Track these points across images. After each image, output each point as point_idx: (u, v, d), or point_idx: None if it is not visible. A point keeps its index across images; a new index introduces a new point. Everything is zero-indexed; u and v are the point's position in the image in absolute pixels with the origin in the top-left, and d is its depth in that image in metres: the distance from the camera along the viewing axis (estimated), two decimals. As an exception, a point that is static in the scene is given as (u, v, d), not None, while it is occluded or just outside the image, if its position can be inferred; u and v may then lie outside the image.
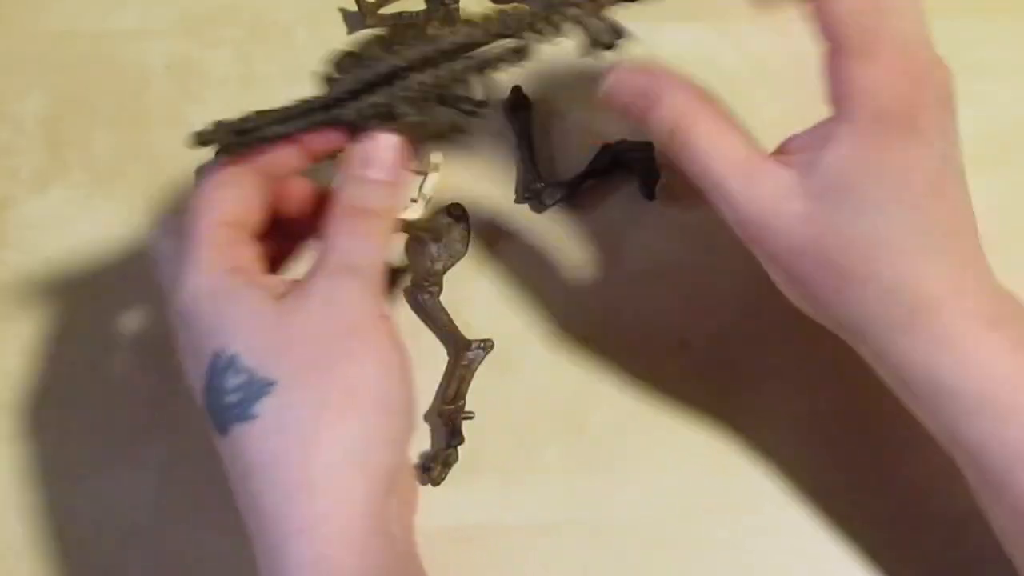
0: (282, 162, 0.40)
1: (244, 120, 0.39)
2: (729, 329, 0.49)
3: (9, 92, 0.54)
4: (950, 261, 0.37)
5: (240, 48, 0.55)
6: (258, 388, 0.35)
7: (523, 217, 0.51)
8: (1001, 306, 0.38)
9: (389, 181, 0.39)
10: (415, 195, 0.52)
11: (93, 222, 0.51)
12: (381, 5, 0.54)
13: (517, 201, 0.51)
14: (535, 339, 0.49)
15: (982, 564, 0.43)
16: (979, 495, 0.40)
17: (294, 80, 0.53)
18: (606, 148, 0.51)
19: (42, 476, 0.47)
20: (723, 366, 0.48)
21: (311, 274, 0.37)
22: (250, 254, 0.39)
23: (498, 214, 0.51)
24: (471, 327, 0.49)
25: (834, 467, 0.46)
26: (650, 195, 0.50)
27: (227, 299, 0.37)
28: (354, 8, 0.54)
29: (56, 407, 0.48)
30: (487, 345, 0.48)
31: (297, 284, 0.37)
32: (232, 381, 0.35)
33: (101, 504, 0.46)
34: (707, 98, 0.39)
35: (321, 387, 0.35)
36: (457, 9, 0.53)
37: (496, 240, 0.51)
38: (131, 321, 0.49)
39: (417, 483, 0.46)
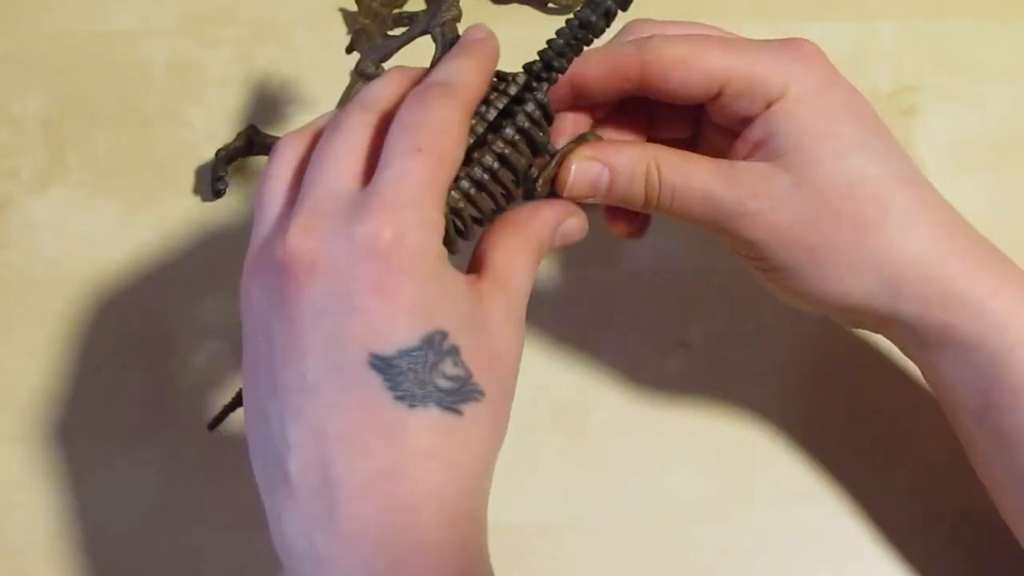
0: None
1: None
2: (729, 329, 0.49)
3: (9, 92, 0.54)
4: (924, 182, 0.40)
5: (240, 48, 0.55)
6: (469, 390, 0.34)
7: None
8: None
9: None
10: None
11: (93, 222, 0.51)
12: (381, 5, 0.54)
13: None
14: (535, 339, 0.49)
15: (982, 564, 0.43)
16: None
17: (294, 80, 0.54)
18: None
19: (42, 476, 0.47)
20: (723, 366, 0.48)
21: (491, 294, 0.36)
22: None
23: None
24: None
25: (834, 467, 0.46)
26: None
27: (446, 278, 0.35)
28: (354, 8, 0.54)
29: (56, 407, 0.48)
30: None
31: (484, 295, 0.36)
32: (452, 370, 0.34)
33: (101, 504, 0.46)
34: (649, 142, 0.41)
35: (506, 415, 0.36)
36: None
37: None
38: (132, 321, 0.49)
39: None
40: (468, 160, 0.37)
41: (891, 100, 0.53)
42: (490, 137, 0.38)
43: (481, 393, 0.34)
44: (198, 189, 0.52)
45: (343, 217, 0.34)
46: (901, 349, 0.42)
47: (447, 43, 0.39)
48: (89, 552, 0.46)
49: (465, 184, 0.37)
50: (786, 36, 0.53)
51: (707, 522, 0.46)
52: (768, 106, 0.39)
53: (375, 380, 0.33)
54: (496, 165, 0.38)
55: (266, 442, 0.34)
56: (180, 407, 0.48)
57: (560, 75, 0.39)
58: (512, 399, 0.36)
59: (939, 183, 0.51)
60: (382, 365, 0.33)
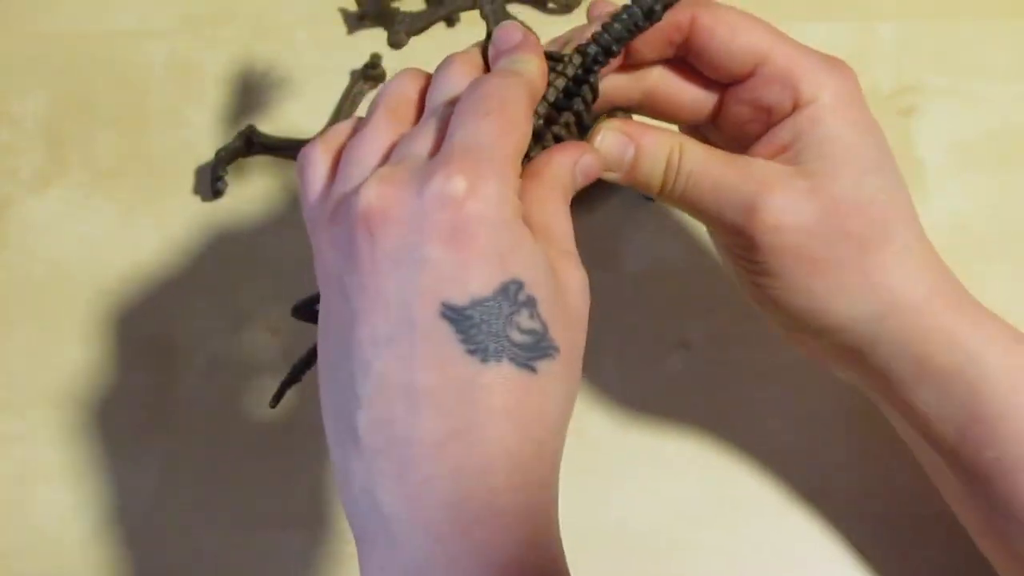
0: None
1: None
2: (729, 329, 0.49)
3: (9, 92, 0.54)
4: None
5: (240, 48, 0.55)
6: (545, 346, 0.33)
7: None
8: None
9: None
10: None
11: (93, 222, 0.51)
12: (381, 5, 0.54)
13: None
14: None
15: (982, 564, 0.43)
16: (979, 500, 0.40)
17: (294, 80, 0.54)
18: None
19: (42, 476, 0.47)
20: (723, 366, 0.48)
21: (559, 250, 0.36)
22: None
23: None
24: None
25: (834, 468, 0.46)
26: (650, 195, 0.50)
27: (521, 231, 0.34)
28: (354, 8, 0.54)
29: (56, 407, 0.48)
30: None
31: (549, 253, 0.35)
32: (527, 322, 0.33)
33: (101, 504, 0.46)
34: (679, 133, 0.41)
35: (578, 374, 0.35)
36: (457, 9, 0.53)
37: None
38: (132, 321, 0.49)
39: None
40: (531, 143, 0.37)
41: (891, 100, 0.53)
42: (549, 121, 0.38)
43: (556, 350, 0.33)
44: (198, 189, 0.52)
45: (419, 172, 0.33)
46: (865, 383, 0.42)
47: (498, 22, 0.39)
48: (89, 552, 0.46)
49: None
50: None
51: (706, 523, 0.46)
52: (795, 107, 0.39)
53: (447, 331, 0.32)
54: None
55: (336, 397, 0.33)
56: (180, 407, 0.48)
57: (614, 60, 0.38)
58: (582, 357, 0.35)
59: (939, 183, 0.52)
60: (454, 315, 0.32)
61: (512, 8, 0.55)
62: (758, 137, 0.40)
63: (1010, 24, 0.55)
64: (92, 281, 0.50)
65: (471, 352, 0.32)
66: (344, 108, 0.52)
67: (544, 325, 0.33)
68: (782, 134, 0.39)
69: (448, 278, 0.32)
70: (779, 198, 0.38)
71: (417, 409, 0.32)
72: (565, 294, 0.35)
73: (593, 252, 0.50)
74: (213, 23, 0.55)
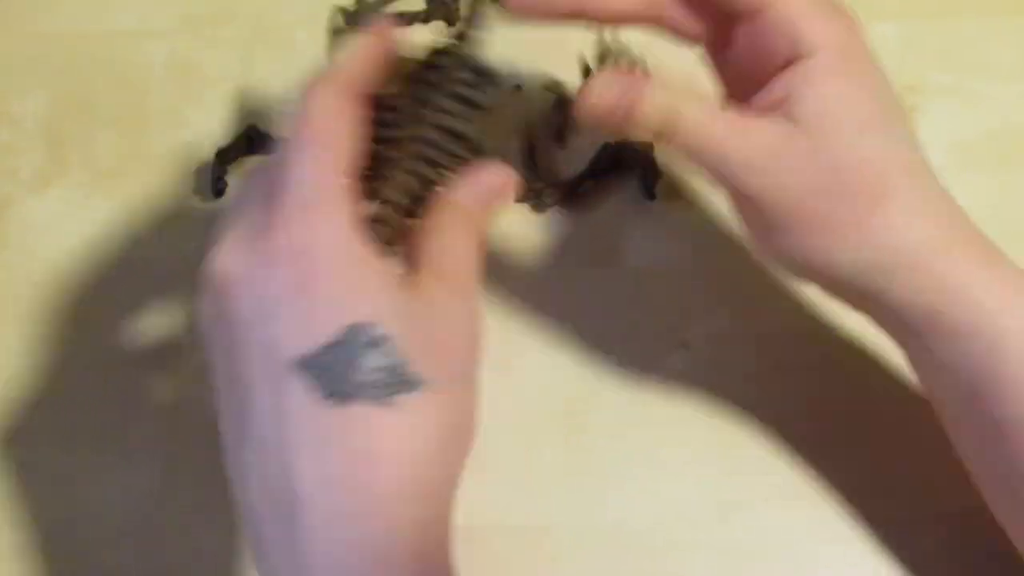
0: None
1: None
2: (729, 329, 0.49)
3: (9, 92, 0.54)
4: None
5: (240, 48, 0.55)
6: (406, 381, 0.33)
7: (523, 218, 0.51)
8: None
9: (487, 205, 0.39)
10: None
11: (93, 222, 0.51)
12: (381, 5, 0.54)
13: (516, 201, 0.51)
14: (535, 339, 0.49)
15: (982, 564, 0.43)
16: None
17: (294, 80, 0.54)
18: (607, 148, 0.50)
19: (42, 476, 0.47)
20: (723, 366, 0.48)
21: (428, 279, 0.36)
22: (358, 217, 0.35)
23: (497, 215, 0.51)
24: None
25: (834, 467, 0.46)
26: (650, 195, 0.50)
27: (371, 269, 0.34)
28: (354, 8, 0.54)
29: (56, 407, 0.48)
30: None
31: (423, 284, 0.35)
32: (376, 361, 0.33)
33: (101, 504, 0.46)
34: (685, 87, 0.40)
35: (465, 403, 0.35)
36: (457, 9, 0.53)
37: (496, 241, 0.51)
38: (131, 321, 0.49)
39: None
40: (402, 143, 0.38)
41: (892, 100, 0.53)
42: (424, 112, 0.38)
43: (420, 383, 0.33)
44: (198, 189, 0.52)
45: (254, 229, 0.34)
46: (882, 328, 0.41)
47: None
48: (89, 552, 0.46)
49: (400, 173, 0.38)
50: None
51: (707, 522, 0.46)
52: (794, 57, 0.39)
53: (303, 382, 0.33)
54: (434, 136, 0.38)
55: (233, 470, 0.35)
56: (180, 407, 0.48)
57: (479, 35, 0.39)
58: (473, 386, 0.36)
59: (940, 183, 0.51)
60: (308, 364, 0.33)
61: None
62: (759, 86, 0.39)
63: (1012, 23, 0.55)
64: (92, 281, 0.50)
65: (328, 397, 0.33)
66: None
67: (402, 361, 0.33)
68: (777, 89, 0.39)
69: (297, 329, 0.33)
70: (782, 160, 0.38)
71: (290, 463, 0.33)
72: (434, 327, 0.35)
73: (593, 251, 0.50)
74: (213, 23, 0.55)
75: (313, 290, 0.33)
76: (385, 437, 0.33)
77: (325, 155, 0.34)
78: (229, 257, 0.34)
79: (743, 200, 0.40)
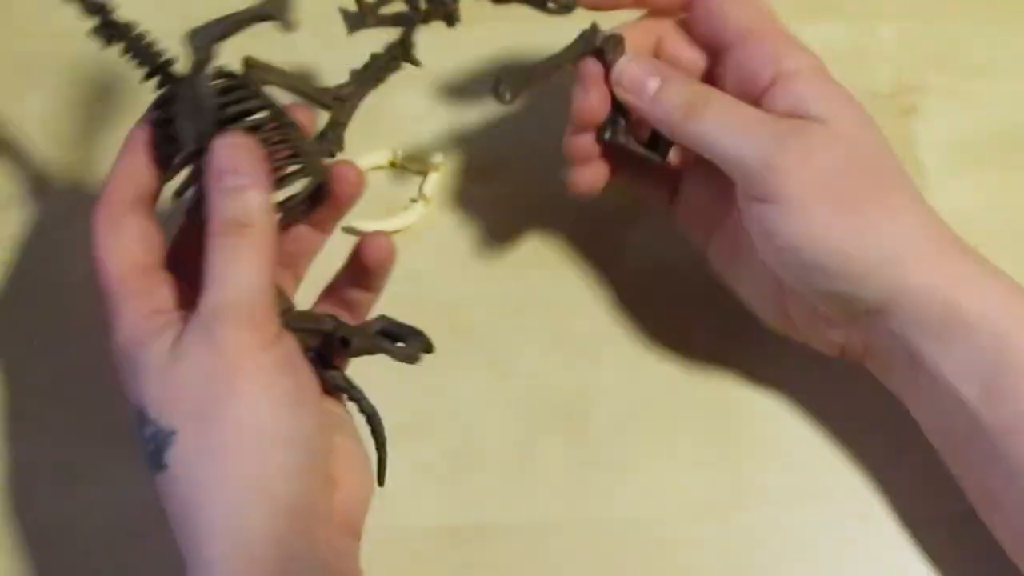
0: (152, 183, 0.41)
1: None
2: (729, 329, 0.49)
3: (9, 92, 0.54)
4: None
5: (240, 48, 0.54)
6: (164, 438, 0.36)
7: (522, 217, 0.51)
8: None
9: (252, 183, 0.38)
10: (416, 195, 0.52)
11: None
12: (381, 5, 0.53)
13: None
14: (535, 339, 0.49)
15: (982, 564, 0.43)
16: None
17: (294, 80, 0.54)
18: (584, 36, 0.44)
19: (42, 476, 0.47)
20: (723, 366, 0.48)
21: (193, 316, 0.37)
22: (168, 291, 0.39)
23: (493, 206, 0.51)
24: (471, 331, 0.49)
25: (833, 467, 0.46)
26: (663, 153, 0.45)
27: (138, 349, 0.37)
28: (354, 8, 0.54)
29: (56, 407, 0.48)
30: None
31: (186, 326, 0.37)
32: (146, 431, 0.36)
33: (101, 504, 0.46)
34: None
35: (213, 431, 0.36)
36: (457, 9, 0.53)
37: (494, 240, 0.51)
38: (131, 321, 0.49)
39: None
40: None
41: (891, 100, 0.53)
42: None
43: (172, 432, 0.36)
44: (198, 189, 0.52)
45: None
46: (892, 357, 0.41)
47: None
48: (89, 552, 0.46)
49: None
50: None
51: (707, 522, 0.46)
52: (775, 78, 0.41)
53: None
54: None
55: None
56: (180, 407, 0.47)
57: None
58: (225, 416, 0.36)
59: (939, 183, 0.52)
60: (139, 447, 0.37)
61: (512, 8, 0.55)
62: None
63: (1010, 24, 0.55)
64: (92, 282, 0.50)
65: (153, 478, 0.37)
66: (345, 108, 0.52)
67: (155, 421, 0.36)
68: (785, 98, 0.41)
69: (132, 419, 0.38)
70: (809, 136, 0.40)
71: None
72: (170, 374, 0.37)
73: (595, 250, 0.50)
74: (213, 23, 0.55)
75: (125, 384, 0.38)
76: (166, 497, 0.37)
77: (112, 263, 0.39)
78: None
79: (758, 188, 0.40)
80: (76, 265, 0.51)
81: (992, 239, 0.50)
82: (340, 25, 0.55)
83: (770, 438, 0.47)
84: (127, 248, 0.39)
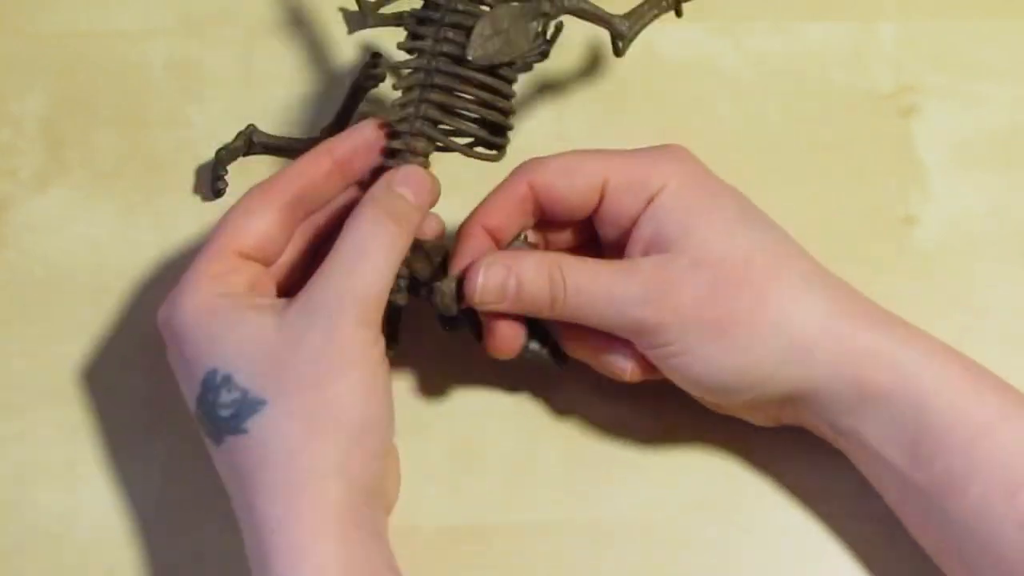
0: (318, 186, 0.42)
1: None
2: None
3: (9, 92, 0.54)
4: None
5: (240, 48, 0.55)
6: (250, 406, 0.38)
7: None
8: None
9: (417, 204, 0.41)
10: None
11: (93, 222, 0.51)
12: (381, 5, 0.54)
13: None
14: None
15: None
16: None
17: (294, 80, 0.54)
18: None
19: (42, 476, 0.47)
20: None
21: (308, 293, 0.39)
22: (246, 281, 0.41)
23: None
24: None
25: (832, 467, 0.46)
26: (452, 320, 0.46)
27: (222, 321, 0.39)
28: (354, 8, 0.54)
29: (56, 407, 0.48)
30: None
31: (297, 306, 0.39)
32: (226, 397, 0.38)
33: (102, 504, 0.46)
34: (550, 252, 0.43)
35: (309, 406, 0.38)
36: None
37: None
38: (132, 321, 0.49)
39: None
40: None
41: (891, 100, 0.53)
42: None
43: (262, 402, 0.38)
44: (198, 189, 0.52)
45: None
46: (821, 429, 0.43)
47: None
48: (89, 552, 0.46)
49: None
50: (787, 35, 0.52)
51: (707, 522, 0.46)
52: (649, 202, 0.41)
53: (203, 431, 0.40)
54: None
55: None
56: (180, 407, 0.47)
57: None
58: (333, 387, 0.38)
59: (939, 183, 0.52)
60: (196, 416, 0.40)
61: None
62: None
63: (1010, 24, 0.55)
64: (92, 281, 0.50)
65: (211, 439, 0.40)
66: (346, 107, 0.52)
67: (244, 389, 0.38)
68: (644, 230, 0.41)
69: (185, 390, 0.41)
70: (668, 282, 0.40)
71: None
72: (269, 347, 0.38)
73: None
74: (213, 23, 0.55)
75: (182, 354, 0.40)
76: (251, 461, 0.38)
77: (222, 239, 0.41)
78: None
79: (647, 339, 0.41)
80: (76, 265, 0.51)
81: (992, 239, 0.50)
82: (340, 25, 0.55)
83: (769, 438, 0.47)
84: (250, 229, 0.41)
